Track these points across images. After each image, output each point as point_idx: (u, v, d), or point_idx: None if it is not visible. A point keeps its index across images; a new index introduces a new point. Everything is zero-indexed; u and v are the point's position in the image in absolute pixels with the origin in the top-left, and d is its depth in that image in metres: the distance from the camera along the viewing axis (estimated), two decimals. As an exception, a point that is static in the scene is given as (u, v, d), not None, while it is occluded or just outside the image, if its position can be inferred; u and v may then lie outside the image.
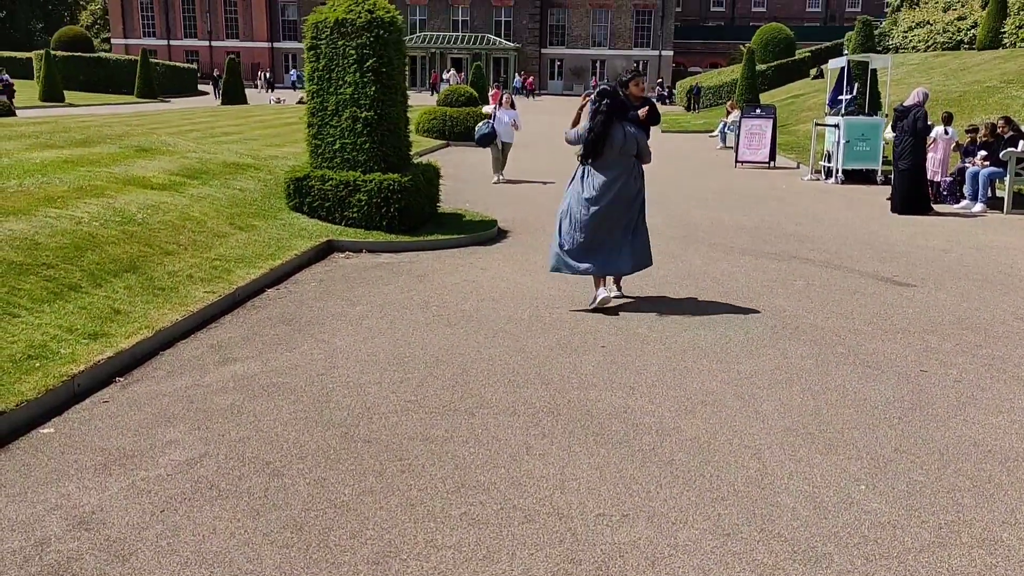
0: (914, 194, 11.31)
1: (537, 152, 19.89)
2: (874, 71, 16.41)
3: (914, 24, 38.55)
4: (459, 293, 7.13)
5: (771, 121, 18.05)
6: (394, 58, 9.46)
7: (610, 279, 6.90)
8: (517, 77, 58.55)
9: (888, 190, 14.05)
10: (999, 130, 11.83)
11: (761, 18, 69.64)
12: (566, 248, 6.53)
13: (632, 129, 6.44)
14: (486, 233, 9.70)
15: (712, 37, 72.61)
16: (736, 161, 18.23)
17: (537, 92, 57.03)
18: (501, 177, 14.85)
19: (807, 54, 45.97)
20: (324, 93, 9.40)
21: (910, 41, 38.06)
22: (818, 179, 15.66)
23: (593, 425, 4.39)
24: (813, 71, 41.23)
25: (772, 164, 18.06)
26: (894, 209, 11.52)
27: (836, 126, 14.94)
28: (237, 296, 6.65)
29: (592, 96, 6.65)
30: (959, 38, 34.82)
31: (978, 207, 11.64)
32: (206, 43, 69.31)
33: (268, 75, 58.23)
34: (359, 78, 9.12)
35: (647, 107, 6.64)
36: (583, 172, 6.55)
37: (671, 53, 64.97)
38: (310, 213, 9.52)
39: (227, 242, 7.80)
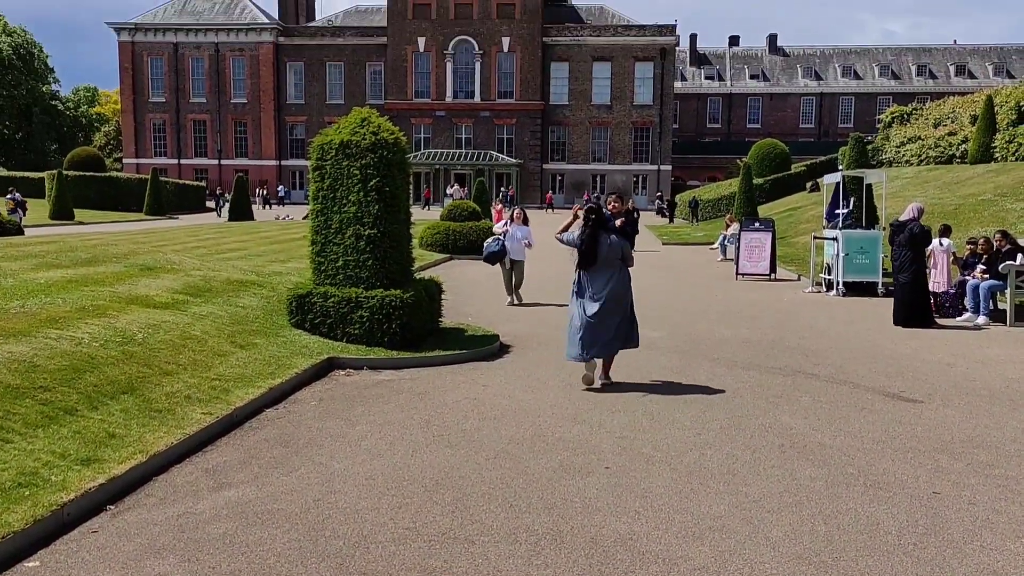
0: (916, 307, 11.33)
1: (548, 266, 20.09)
2: (869, 185, 16.76)
3: (906, 139, 39.67)
4: (460, 411, 7.03)
5: (770, 234, 18.30)
6: (397, 177, 9.68)
7: (599, 366, 8.12)
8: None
9: (888, 302, 14.13)
10: (996, 244, 11.95)
11: (756, 134, 71.87)
12: (574, 339, 7.93)
13: (615, 238, 7.89)
14: (488, 348, 9.67)
15: (709, 152, 74.76)
16: (737, 273, 18.38)
17: (552, 206, 58.03)
18: (514, 299, 13.79)
19: (803, 168, 47.12)
20: (328, 211, 9.57)
21: (903, 155, 39.05)
22: (819, 291, 15.73)
23: (597, 553, 4.23)
24: (809, 184, 42.17)
25: (773, 276, 18.20)
26: (897, 322, 11.51)
27: (835, 239, 15.12)
28: (235, 417, 6.56)
29: (581, 211, 8.14)
30: (951, 152, 35.75)
31: (980, 320, 11.63)
32: (215, 162, 71.38)
33: (263, 192, 59.74)
34: (363, 197, 9.31)
35: (623, 219, 8.31)
36: (579, 277, 8.03)
37: (670, 167, 66.67)
38: (312, 330, 9.53)
39: (227, 361, 7.76)
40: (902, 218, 11.62)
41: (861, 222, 16.25)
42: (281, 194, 63.51)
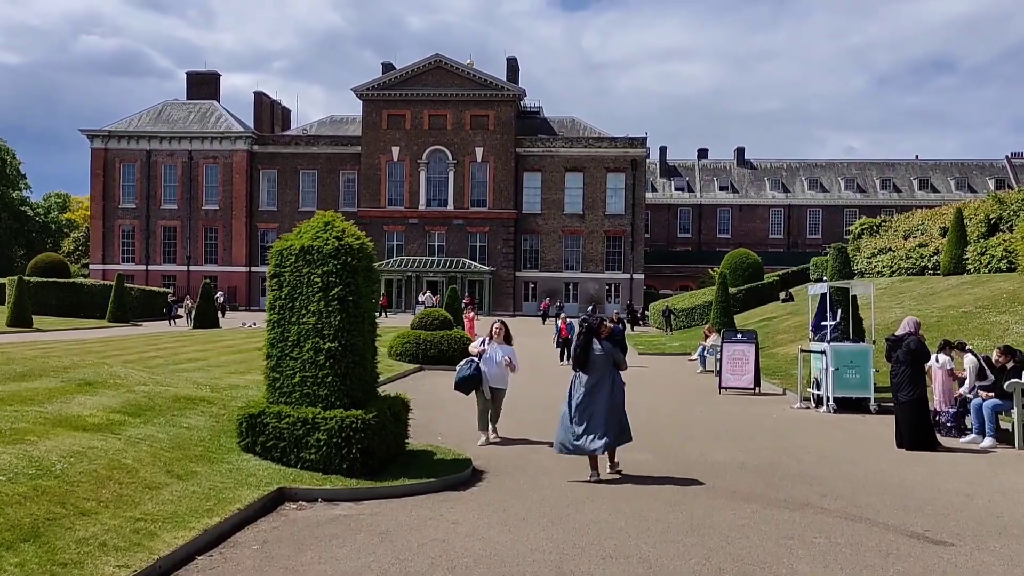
0: (919, 428, 10.57)
1: (536, 389, 19.29)
2: (854, 296, 16.32)
3: (877, 251, 40.00)
4: (426, 559, 6.03)
5: (753, 346, 17.67)
6: (362, 285, 8.92)
7: (604, 462, 8.97)
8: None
9: (883, 420, 13.37)
10: (996, 360, 11.34)
11: (727, 244, 72.83)
12: (566, 435, 8.81)
13: (606, 344, 9.00)
14: (459, 476, 8.70)
15: (681, 261, 75.46)
16: (720, 387, 17.62)
17: (548, 314, 56.59)
18: (491, 435, 11.08)
19: (775, 278, 47.31)
20: (286, 323, 8.74)
21: (875, 267, 39.28)
22: (808, 407, 14.97)
23: None
24: (782, 295, 42.13)
25: (757, 390, 17.46)
26: (900, 444, 10.72)
27: (823, 353, 14.49)
28: (158, 569, 5.52)
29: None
30: (923, 264, 35.94)
31: (987, 442, 10.87)
32: (184, 268, 70.55)
33: (221, 299, 57.93)
34: (323, 307, 8.51)
35: (610, 330, 9.45)
36: (575, 378, 8.99)
37: (642, 276, 66.91)
38: (263, 454, 8.53)
39: (158, 496, 6.73)
40: (898, 332, 11.02)
41: (848, 334, 15.68)
42: (221, 300, 60.52)
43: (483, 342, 11.34)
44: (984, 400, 11.06)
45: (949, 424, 11.65)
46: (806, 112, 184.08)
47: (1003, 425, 11.49)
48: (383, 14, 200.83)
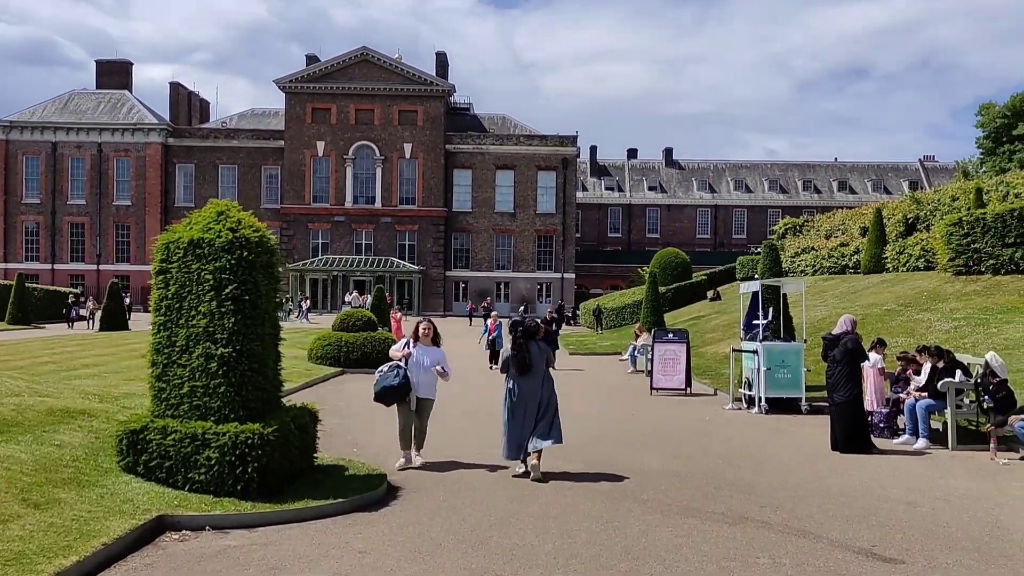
0: (855, 430, 10.20)
1: (471, 399, 18.50)
2: (785, 295, 16.04)
3: (800, 250, 40.51)
4: (323, 599, 5.22)
5: (684, 346, 17.27)
6: (261, 283, 8.00)
7: (534, 457, 8.85)
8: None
9: (815, 420, 13.05)
10: (931, 361, 11.07)
11: (655, 244, 73.32)
12: (510, 439, 8.98)
13: (542, 345, 9.13)
14: (371, 495, 7.87)
15: (611, 261, 75.68)
16: (651, 388, 17.16)
17: (475, 315, 55.33)
18: (414, 456, 9.58)
19: (703, 277, 47.57)
20: (173, 325, 7.77)
21: (798, 266, 39.76)
22: (740, 408, 14.60)
23: None
24: (710, 293, 42.34)
25: (688, 391, 17.07)
26: (835, 447, 10.34)
27: (754, 352, 14.13)
28: (-10, 624, 4.57)
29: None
30: (844, 263, 36.48)
31: (920, 443, 10.57)
32: (94, 267, 67.30)
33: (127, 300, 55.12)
34: (215, 307, 7.57)
35: (545, 332, 9.51)
36: (512, 382, 9.02)
37: (573, 275, 66.76)
38: (147, 475, 7.56)
39: (4, 531, 5.72)
40: (835, 331, 10.64)
41: (779, 333, 15.38)
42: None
43: (407, 344, 9.74)
44: (917, 400, 10.77)
45: (882, 424, 11.36)
46: (731, 115, 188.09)
47: (934, 425, 11.25)
48: (309, 7, 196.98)
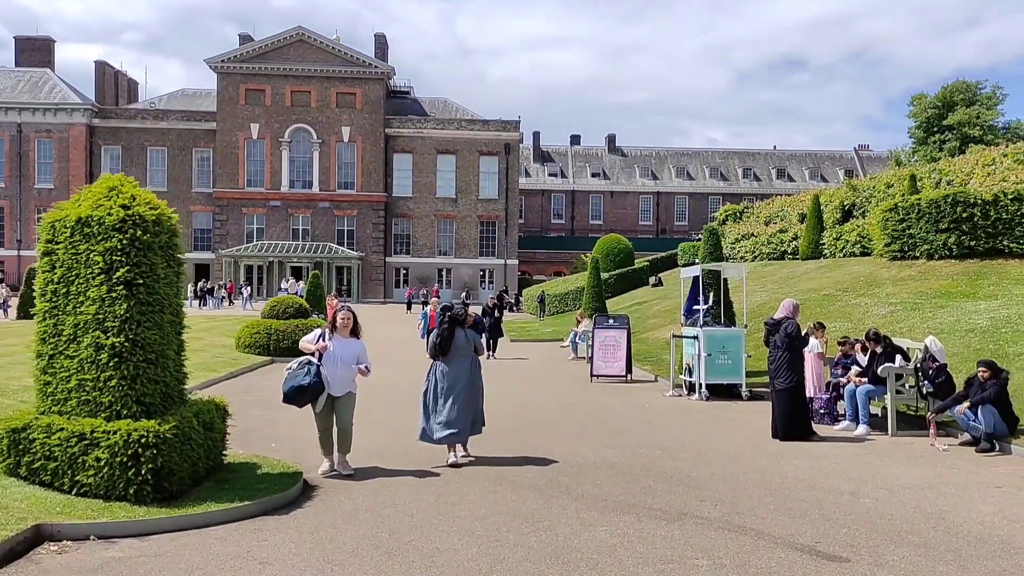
0: (796, 417, 9.92)
1: (394, 378, 17.78)
2: (726, 279, 15.79)
3: (740, 236, 40.73)
4: (211, 620, 4.60)
5: (625, 332, 16.93)
6: (158, 266, 7.26)
7: (459, 445, 8.84)
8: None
9: (756, 406, 12.81)
10: (869, 346, 10.86)
11: (598, 230, 73.33)
12: (428, 424, 8.76)
13: (469, 332, 8.97)
14: (283, 495, 7.23)
15: (554, 247, 75.52)
16: (592, 375, 16.78)
17: (414, 301, 54.14)
18: (334, 464, 8.31)
19: (645, 263, 47.62)
20: (59, 313, 7.01)
21: (738, 252, 39.99)
22: (680, 395, 14.30)
23: None
24: (652, 279, 42.37)
25: (629, 377, 16.74)
26: (775, 434, 10.05)
27: (695, 338, 13.82)
28: None
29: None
30: (783, 249, 36.77)
31: (861, 429, 10.36)
32: (14, 252, 64.44)
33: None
34: (105, 292, 6.83)
35: (473, 320, 9.43)
36: (435, 367, 8.86)
37: (516, 262, 66.35)
38: (29, 477, 6.82)
39: None
40: (776, 316, 10.33)
41: (720, 319, 15.12)
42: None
43: (322, 336, 8.41)
44: (857, 386, 10.54)
45: (823, 410, 11.13)
46: (672, 104, 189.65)
47: (873, 410, 11.07)
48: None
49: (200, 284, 53.90)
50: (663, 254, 51.07)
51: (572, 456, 9.09)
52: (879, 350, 10.47)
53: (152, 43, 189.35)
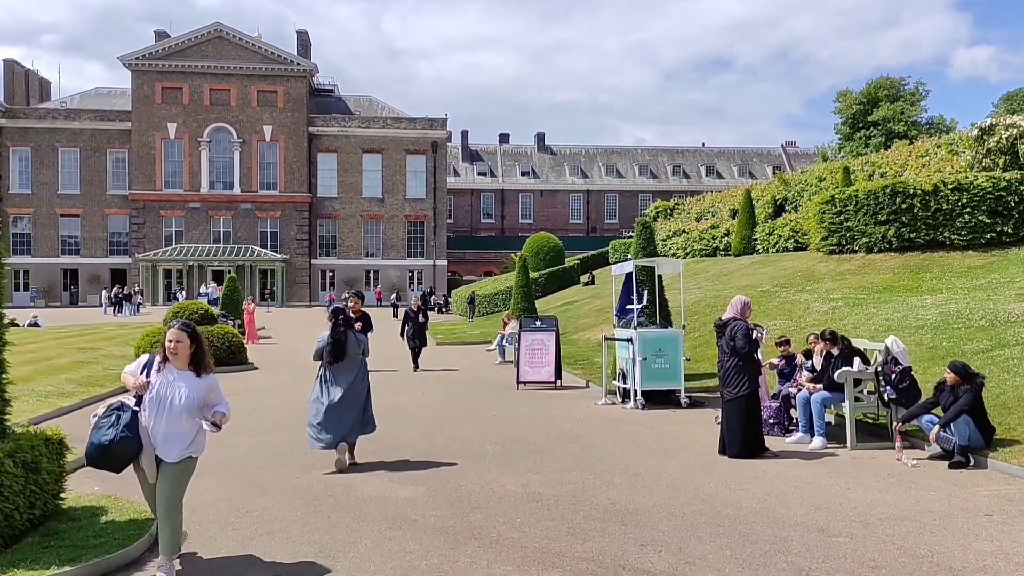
0: (746, 432, 8.75)
1: (296, 397, 16.07)
2: (660, 276, 14.68)
3: (672, 233, 40.08)
4: None
5: (553, 334, 15.66)
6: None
7: (345, 449, 8.55)
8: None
9: (697, 415, 11.69)
10: (823, 347, 9.80)
11: (529, 229, 72.29)
12: (314, 427, 8.46)
13: (359, 335, 8.94)
14: (121, 554, 5.70)
15: (484, 247, 74.23)
16: (518, 382, 15.48)
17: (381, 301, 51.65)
18: (162, 568, 5.35)
19: (576, 262, 46.71)
20: None
21: (669, 248, 39.32)
22: (614, 403, 13.11)
23: None
24: (584, 278, 41.44)
25: (559, 383, 15.49)
26: (723, 451, 8.88)
27: (629, 340, 12.63)
28: None
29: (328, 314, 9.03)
30: (715, 245, 36.21)
31: (816, 442, 9.25)
32: (-85, 258, 59.94)
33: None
34: None
35: (361, 319, 10.18)
36: (325, 370, 8.64)
37: (445, 262, 64.83)
38: None
39: None
40: (725, 316, 9.15)
41: (655, 319, 13.99)
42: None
43: (147, 367, 5.57)
44: (811, 393, 9.46)
45: (772, 420, 10.03)
46: (599, 104, 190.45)
47: (827, 418, 10.02)
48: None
49: (115, 290, 51.23)
50: (594, 252, 50.30)
51: (489, 485, 7.74)
52: (835, 351, 9.40)
53: (72, 45, 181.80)
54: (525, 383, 15.40)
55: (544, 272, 43.49)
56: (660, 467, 8.44)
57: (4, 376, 6.31)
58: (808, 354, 10.26)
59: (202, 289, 53.92)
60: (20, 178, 62.40)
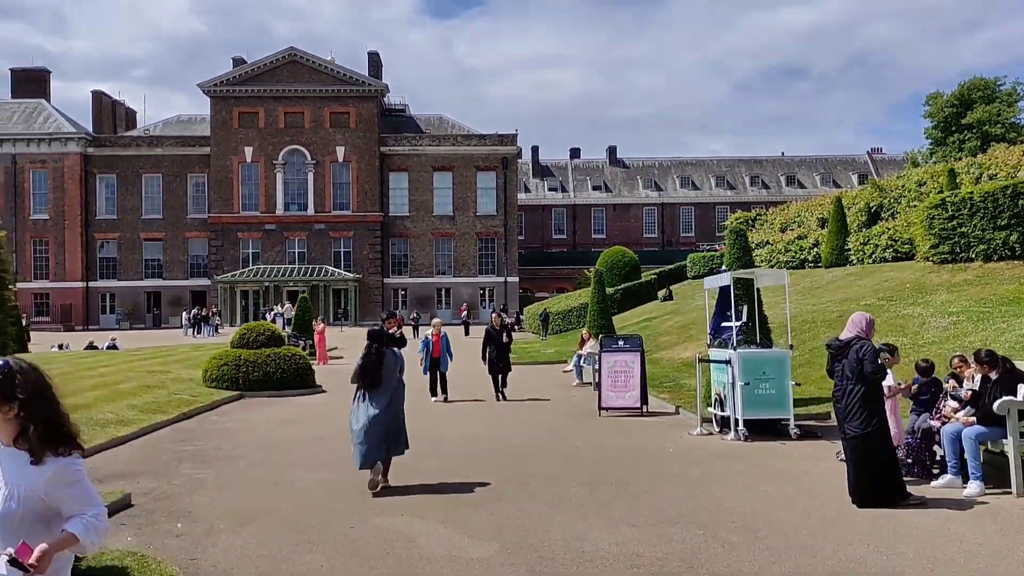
0: (881, 475, 7.26)
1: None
2: (758, 290, 13.17)
3: (754, 245, 38.07)
4: None
5: (638, 355, 14.29)
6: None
7: (380, 470, 8.54)
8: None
9: (812, 449, 10.18)
10: (973, 371, 8.23)
11: (601, 244, 70.67)
12: (361, 449, 8.48)
13: (397, 353, 9.02)
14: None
15: (556, 263, 72.90)
16: (600, 407, 14.15)
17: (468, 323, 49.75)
18: None
19: (652, 276, 45.03)
20: None
21: (753, 260, 37.36)
22: (710, 433, 11.66)
23: None
24: (662, 293, 39.77)
25: (645, 409, 14.10)
26: (855, 498, 7.39)
27: (727, 362, 11.20)
28: None
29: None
30: (802, 257, 34.17)
31: (972, 487, 7.62)
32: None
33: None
34: None
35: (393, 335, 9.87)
36: (362, 394, 8.73)
37: (517, 279, 63.77)
38: None
39: None
40: (844, 335, 7.69)
41: (755, 337, 12.50)
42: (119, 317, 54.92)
43: None
44: (964, 427, 7.87)
45: (909, 460, 8.45)
46: (672, 118, 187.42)
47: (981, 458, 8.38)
48: (248, 21, 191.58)
49: (195, 311, 51.98)
50: (671, 266, 48.49)
51: (577, 542, 6.46)
52: (994, 376, 7.81)
53: (159, 78, 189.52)
54: (608, 409, 14.06)
55: (619, 288, 41.94)
56: (783, 520, 7.01)
57: None
58: (955, 379, 8.65)
59: (277, 309, 54.05)
60: (107, 204, 64.13)
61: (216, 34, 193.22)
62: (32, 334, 39.81)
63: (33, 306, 61.69)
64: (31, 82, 68.18)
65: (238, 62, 66.15)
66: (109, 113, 71.90)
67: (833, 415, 12.34)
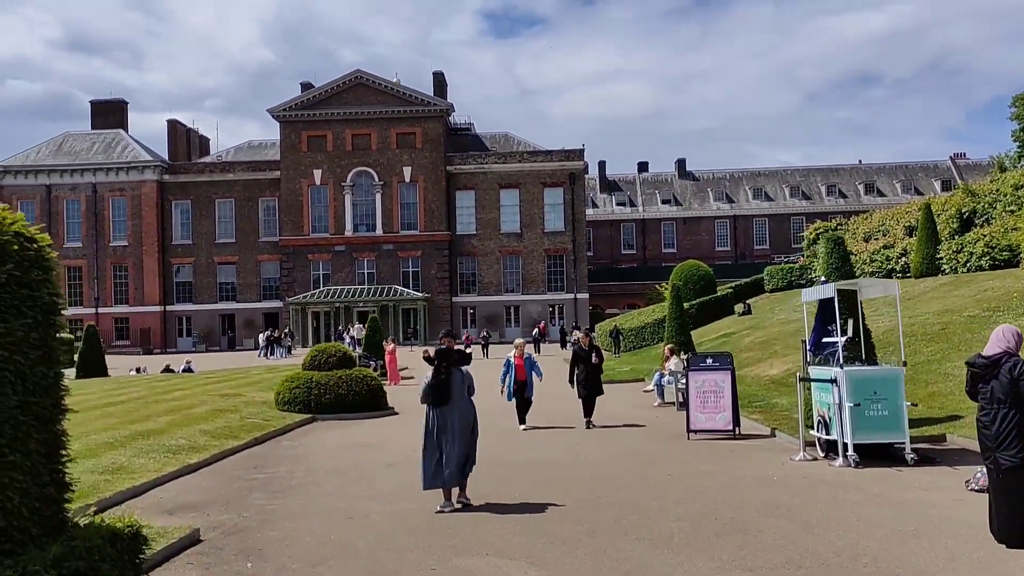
0: (1037, 509, 6.32)
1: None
2: (861, 303, 12.17)
3: (836, 255, 36.45)
4: None
5: (728, 373, 13.39)
6: (9, 316, 4.37)
7: (455, 491, 8.69)
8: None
9: (929, 476, 9.16)
10: None
11: (672, 259, 69.26)
12: (425, 469, 8.61)
13: (465, 372, 8.98)
14: None
15: (626, 279, 71.71)
16: (688, 430, 13.28)
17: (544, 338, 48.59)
18: None
19: (728, 290, 43.66)
20: None
21: (852, 271, 35.73)
22: (815, 459, 10.71)
23: None
24: (739, 307, 38.43)
25: (737, 431, 13.18)
26: (1002, 536, 6.45)
27: (832, 381, 10.26)
28: None
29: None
30: (889, 267, 32.55)
31: None
32: (92, 310, 64.09)
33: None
34: None
35: (460, 351, 9.38)
36: (432, 412, 8.76)
37: (587, 296, 62.89)
38: None
39: None
40: (988, 351, 6.77)
41: (860, 354, 11.50)
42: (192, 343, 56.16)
43: None
44: None
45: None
46: (740, 129, 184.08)
47: None
48: (314, 48, 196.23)
49: (268, 333, 52.63)
50: (746, 280, 46.98)
51: (689, 589, 5.71)
52: None
53: (231, 107, 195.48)
54: (697, 431, 13.19)
55: (695, 302, 40.72)
56: (924, 564, 6.11)
57: (62, 453, 4.94)
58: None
59: (351, 331, 54.19)
60: (182, 230, 65.81)
61: (285, 62, 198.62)
62: (112, 358, 40.67)
63: (114, 330, 63.56)
64: (110, 113, 70.71)
65: (306, 87, 67.35)
66: (183, 141, 74.09)
67: (949, 438, 11.32)
